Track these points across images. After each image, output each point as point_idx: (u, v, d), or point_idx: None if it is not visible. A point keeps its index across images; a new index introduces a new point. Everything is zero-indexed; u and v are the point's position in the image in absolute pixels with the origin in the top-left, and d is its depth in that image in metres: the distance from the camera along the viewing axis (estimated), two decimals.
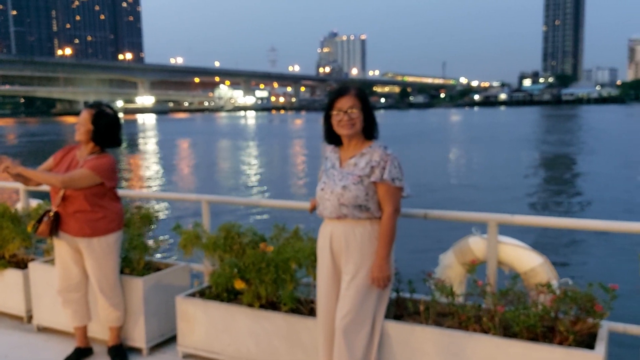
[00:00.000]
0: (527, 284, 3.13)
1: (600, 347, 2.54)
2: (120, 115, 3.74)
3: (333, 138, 2.83)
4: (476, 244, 3.35)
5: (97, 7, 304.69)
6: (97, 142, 3.54)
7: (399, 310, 3.12)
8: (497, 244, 3.22)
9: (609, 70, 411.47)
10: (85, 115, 3.53)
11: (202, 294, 3.67)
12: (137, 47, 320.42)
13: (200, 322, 3.55)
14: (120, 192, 3.84)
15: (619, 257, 9.00)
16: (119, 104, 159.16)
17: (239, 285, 3.39)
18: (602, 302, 2.61)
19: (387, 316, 2.95)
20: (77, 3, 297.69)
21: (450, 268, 3.42)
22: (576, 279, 2.90)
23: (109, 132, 3.56)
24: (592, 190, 17.62)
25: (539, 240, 9.76)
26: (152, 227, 4.16)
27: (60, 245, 3.66)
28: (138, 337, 3.81)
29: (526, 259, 3.19)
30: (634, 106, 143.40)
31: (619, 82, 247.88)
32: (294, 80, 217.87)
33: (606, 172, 21.97)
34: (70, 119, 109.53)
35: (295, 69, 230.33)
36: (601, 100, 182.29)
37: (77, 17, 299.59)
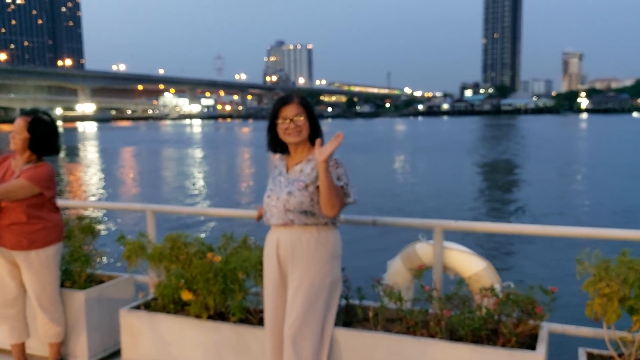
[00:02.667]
0: (471, 288, 3.22)
1: (541, 347, 2.63)
2: (59, 123, 3.63)
3: (278, 147, 2.84)
4: (423, 250, 3.42)
5: (34, 12, 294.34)
6: (34, 151, 3.42)
7: (349, 317, 3.13)
8: (443, 249, 3.30)
9: (544, 82, 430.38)
10: (21, 122, 3.41)
11: (148, 306, 3.57)
12: (77, 53, 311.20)
13: (146, 335, 3.46)
14: (61, 202, 3.71)
15: (559, 260, 9.38)
16: (58, 111, 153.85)
17: (186, 296, 3.33)
18: (542, 304, 2.71)
19: (337, 323, 2.96)
20: (12, 7, 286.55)
21: (398, 274, 3.48)
22: (518, 282, 3.00)
23: (46, 140, 3.45)
24: (531, 196, 18.33)
25: (482, 245, 10.06)
26: (94, 238, 4.03)
27: None
28: (80, 353, 3.68)
29: (470, 264, 3.29)
30: (567, 116, 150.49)
31: (554, 93, 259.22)
32: (241, 88, 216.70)
33: (544, 177, 22.93)
34: (6, 127, 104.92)
35: (242, 77, 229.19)
36: (537, 111, 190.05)
37: (13, 21, 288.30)
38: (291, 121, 2.70)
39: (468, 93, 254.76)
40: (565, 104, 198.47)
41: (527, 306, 2.70)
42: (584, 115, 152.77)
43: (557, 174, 24.67)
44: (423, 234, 3.49)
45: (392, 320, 3.04)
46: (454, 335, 2.80)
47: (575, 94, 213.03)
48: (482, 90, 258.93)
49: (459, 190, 19.61)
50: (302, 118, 2.71)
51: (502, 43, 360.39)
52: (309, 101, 2.81)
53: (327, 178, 2.53)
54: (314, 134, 2.78)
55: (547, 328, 2.81)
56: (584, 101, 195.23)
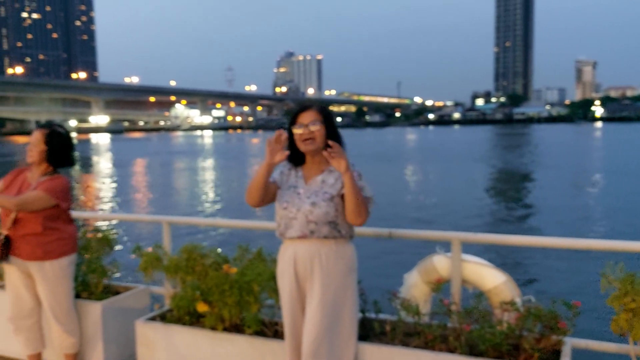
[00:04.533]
0: (491, 302, 3.16)
1: None
2: (74, 134, 3.66)
3: (296, 158, 2.77)
4: (440, 263, 3.37)
5: (49, 26, 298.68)
6: (51, 163, 3.46)
7: (365, 331, 3.09)
8: (461, 262, 3.25)
9: (557, 90, 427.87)
10: (38, 135, 3.44)
11: (163, 318, 3.56)
12: (91, 66, 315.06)
13: (161, 346, 3.44)
14: (79, 213, 3.72)
15: (580, 273, 9.18)
16: (72, 123, 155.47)
17: (202, 308, 3.31)
18: (565, 319, 2.65)
19: None
20: (28, 21, 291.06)
21: (415, 287, 3.43)
22: (538, 296, 2.95)
23: (63, 152, 3.48)
24: (549, 206, 18.10)
25: (501, 258, 9.89)
26: (111, 249, 4.04)
27: (11, 271, 3.53)
28: None
29: (490, 277, 3.23)
30: (582, 125, 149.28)
31: (567, 102, 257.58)
32: (251, 99, 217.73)
33: (562, 187, 22.67)
34: (21, 139, 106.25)
35: (252, 88, 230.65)
36: (551, 119, 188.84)
37: (29, 36, 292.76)
38: (306, 127, 2.64)
39: (480, 102, 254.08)
40: (580, 112, 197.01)
41: (550, 321, 2.65)
42: (599, 124, 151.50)
43: (575, 183, 24.36)
44: (440, 246, 3.44)
45: (409, 334, 3.00)
46: (474, 350, 2.75)
47: (590, 102, 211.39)
48: (494, 99, 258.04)
49: (474, 201, 19.45)
50: (317, 125, 2.64)
51: (514, 51, 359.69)
52: (329, 111, 2.75)
53: (354, 187, 2.52)
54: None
55: (570, 343, 2.75)
56: (598, 109, 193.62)
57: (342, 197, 2.65)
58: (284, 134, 2.62)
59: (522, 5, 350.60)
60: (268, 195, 2.76)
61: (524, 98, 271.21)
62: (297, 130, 2.66)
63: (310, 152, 2.70)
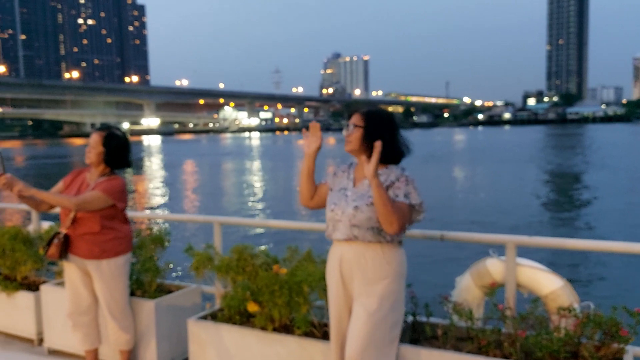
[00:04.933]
0: (547, 307, 3.06)
1: None
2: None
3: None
4: (494, 266, 3.29)
5: (104, 31, 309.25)
6: (108, 164, 3.55)
7: (416, 335, 3.05)
8: (516, 266, 3.16)
9: (614, 89, 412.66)
10: (96, 137, 3.54)
11: (214, 317, 3.61)
12: (143, 69, 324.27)
13: (212, 345, 3.49)
14: (133, 213, 3.81)
15: None
16: (125, 125, 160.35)
17: (252, 308, 3.34)
18: (628, 326, 2.54)
19: (404, 340, 2.88)
20: (84, 27, 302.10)
21: (467, 291, 3.36)
22: (598, 302, 2.84)
23: (120, 153, 3.57)
24: (606, 209, 17.44)
25: (558, 262, 9.57)
26: (164, 249, 4.13)
27: (70, 268, 3.64)
28: None
29: (546, 282, 3.13)
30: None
31: (624, 101, 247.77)
32: (298, 101, 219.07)
33: (619, 189, 21.81)
34: (78, 141, 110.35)
35: (298, 90, 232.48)
36: (607, 119, 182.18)
37: (85, 41, 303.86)
38: (346, 129, 2.67)
39: (531, 102, 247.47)
40: (637, 112, 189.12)
41: (611, 328, 2.54)
42: None
43: (633, 185, 23.42)
44: (494, 249, 3.36)
45: (462, 339, 2.94)
46: (529, 356, 2.67)
47: None
48: (546, 99, 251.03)
49: (527, 203, 18.95)
50: (356, 128, 2.64)
51: (567, 49, 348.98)
52: (376, 115, 2.68)
53: (378, 194, 2.44)
54: (390, 151, 2.64)
55: (632, 352, 2.63)
56: None
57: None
58: (317, 124, 2.73)
59: (576, 1, 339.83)
60: (320, 196, 2.82)
61: (578, 97, 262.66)
62: (344, 131, 2.71)
63: (353, 154, 2.71)
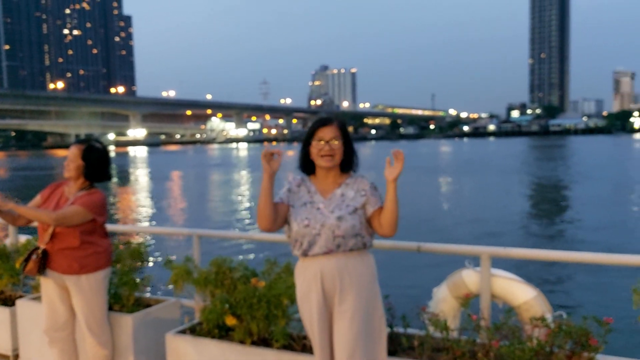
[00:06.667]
0: (521, 317, 3.11)
1: None
2: (111, 148, 3.74)
3: (307, 167, 2.78)
4: (469, 277, 3.33)
5: (89, 42, 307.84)
6: (88, 178, 3.52)
7: (393, 346, 3.07)
8: (491, 277, 3.21)
9: (595, 102, 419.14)
10: (75, 151, 3.51)
11: (193, 331, 3.60)
12: (129, 80, 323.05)
13: (192, 359, 3.48)
14: (110, 227, 3.80)
15: (613, 289, 8.96)
16: (111, 136, 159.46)
17: (230, 321, 3.34)
18: (597, 335, 2.59)
19: None
20: (69, 37, 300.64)
21: (444, 302, 3.39)
22: (571, 312, 2.88)
23: (99, 167, 3.55)
24: (582, 220, 17.68)
25: (533, 273, 9.70)
26: (142, 262, 4.11)
27: (47, 284, 3.60)
28: None
29: (520, 292, 3.18)
30: (620, 136, 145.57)
31: (605, 113, 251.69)
32: (286, 112, 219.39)
33: (598, 201, 22.10)
34: (61, 152, 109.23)
35: (287, 101, 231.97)
36: (588, 131, 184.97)
37: (70, 51, 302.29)
38: (327, 143, 2.66)
39: (515, 114, 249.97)
40: (618, 124, 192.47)
41: (581, 338, 2.59)
42: (638, 136, 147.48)
43: (611, 196, 23.75)
44: (470, 260, 3.41)
45: (438, 349, 2.97)
46: None
47: (628, 114, 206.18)
48: (529, 111, 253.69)
49: (508, 214, 19.11)
50: (337, 142, 2.67)
51: (549, 63, 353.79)
52: (346, 126, 2.78)
53: (395, 197, 2.59)
54: (348, 160, 2.74)
55: None
56: (637, 121, 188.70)
57: (364, 209, 2.70)
58: (273, 150, 2.67)
59: (557, 16, 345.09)
60: (281, 216, 2.73)
61: (560, 109, 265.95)
62: (317, 145, 2.68)
63: (326, 167, 2.71)
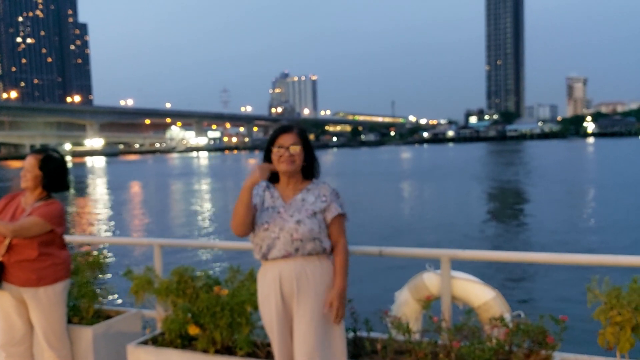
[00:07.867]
0: (481, 318, 3.18)
1: None
2: (69, 158, 3.67)
3: (271, 175, 2.82)
4: (430, 280, 3.39)
5: (44, 50, 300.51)
6: (45, 188, 3.46)
7: (357, 350, 3.10)
8: (451, 279, 3.27)
9: (549, 107, 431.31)
10: (32, 161, 3.44)
11: (155, 342, 3.55)
12: (85, 89, 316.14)
13: None
14: (69, 237, 3.72)
15: (568, 287, 9.25)
16: (67, 147, 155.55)
17: (193, 330, 3.31)
18: (554, 333, 2.67)
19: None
20: (23, 46, 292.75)
21: (406, 305, 3.44)
22: (528, 311, 2.97)
23: (57, 177, 3.48)
24: (539, 222, 18.17)
25: (490, 274, 9.93)
26: (102, 273, 4.04)
27: (3, 297, 3.50)
28: None
29: (479, 293, 3.25)
30: (574, 140, 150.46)
31: (559, 118, 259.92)
32: (247, 120, 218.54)
33: (552, 202, 22.77)
34: (16, 164, 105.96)
35: (247, 109, 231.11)
36: (543, 136, 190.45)
37: (24, 60, 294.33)
38: (286, 149, 2.71)
39: (473, 120, 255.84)
40: (572, 128, 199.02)
41: (538, 336, 2.67)
42: (591, 139, 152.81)
43: (566, 198, 24.52)
44: (430, 263, 3.47)
45: (401, 352, 3.01)
46: None
47: (581, 119, 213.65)
48: (486, 117, 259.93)
49: (467, 218, 19.49)
50: (297, 148, 2.72)
51: (505, 69, 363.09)
52: (306, 133, 2.84)
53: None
54: (309, 167, 2.81)
55: (559, 358, 2.77)
56: (590, 125, 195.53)
57: (323, 214, 2.75)
58: (271, 167, 2.74)
59: (512, 23, 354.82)
60: (252, 221, 2.80)
61: (516, 115, 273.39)
62: (277, 152, 2.74)
63: (289, 173, 2.76)
